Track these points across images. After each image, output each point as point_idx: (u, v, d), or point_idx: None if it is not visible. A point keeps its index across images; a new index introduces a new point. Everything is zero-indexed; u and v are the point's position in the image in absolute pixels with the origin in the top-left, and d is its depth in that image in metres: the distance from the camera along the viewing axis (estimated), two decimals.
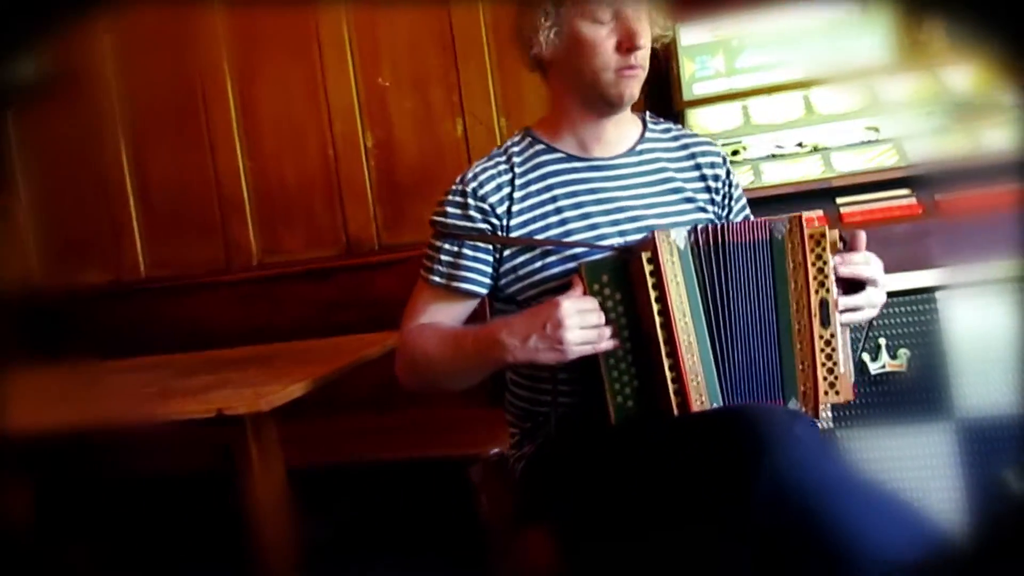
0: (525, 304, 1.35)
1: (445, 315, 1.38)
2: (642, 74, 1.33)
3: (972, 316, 1.76)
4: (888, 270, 1.74)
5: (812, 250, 1.22)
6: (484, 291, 1.38)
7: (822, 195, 1.81)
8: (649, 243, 1.22)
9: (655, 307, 1.20)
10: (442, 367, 1.33)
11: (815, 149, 1.91)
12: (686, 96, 2.15)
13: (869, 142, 1.88)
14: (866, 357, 1.79)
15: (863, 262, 1.26)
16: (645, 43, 1.30)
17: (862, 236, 1.27)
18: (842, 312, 1.23)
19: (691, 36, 2.15)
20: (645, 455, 1.17)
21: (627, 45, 1.28)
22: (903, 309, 1.80)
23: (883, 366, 1.79)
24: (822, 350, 1.22)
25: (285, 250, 2.56)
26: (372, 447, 2.12)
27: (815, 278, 1.22)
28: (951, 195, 1.73)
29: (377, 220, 2.49)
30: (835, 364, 1.22)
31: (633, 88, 1.33)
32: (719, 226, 1.24)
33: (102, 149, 2.62)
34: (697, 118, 2.11)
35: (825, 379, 1.22)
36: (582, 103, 1.36)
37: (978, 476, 1.75)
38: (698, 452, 1.09)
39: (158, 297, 2.59)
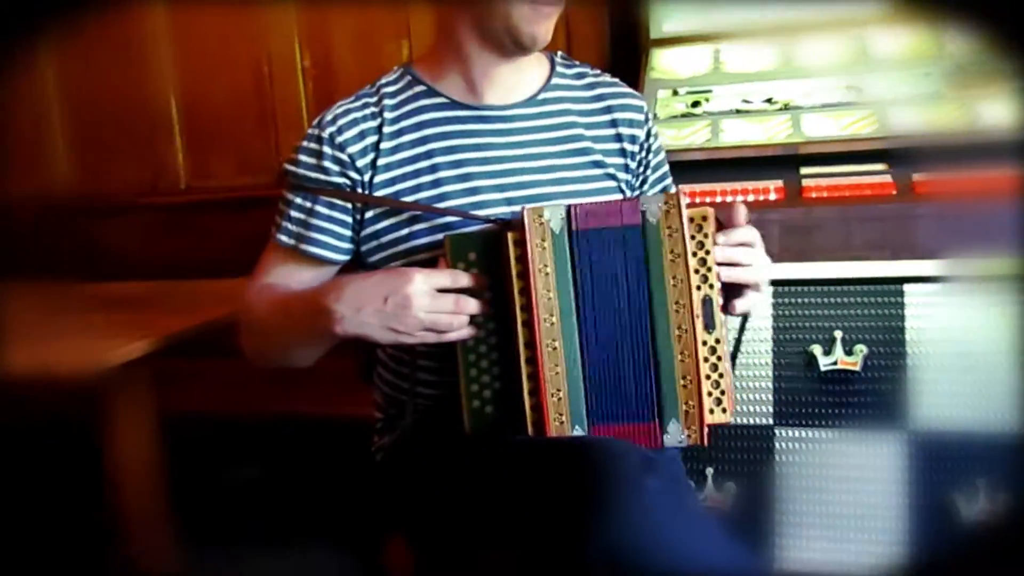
0: None
1: (293, 282, 1.17)
2: (558, 12, 1.10)
3: (941, 316, 1.54)
4: (853, 254, 1.55)
5: (693, 237, 1.00)
6: (340, 257, 1.17)
7: (784, 162, 1.58)
8: (518, 222, 1.00)
9: (518, 300, 0.99)
10: (273, 336, 1.14)
11: (785, 107, 1.66)
12: (653, 34, 1.90)
13: (847, 104, 1.63)
14: (816, 350, 1.59)
15: (744, 243, 1.04)
16: None
17: (741, 211, 1.05)
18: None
19: None
20: (488, 478, 0.98)
21: None
22: (865, 300, 1.58)
23: (835, 362, 1.59)
24: (706, 360, 1.00)
25: (214, 175, 2.37)
26: (278, 399, 1.96)
27: (697, 271, 1.00)
28: (932, 175, 1.49)
29: None
30: (721, 376, 1.01)
31: (547, 28, 1.10)
32: (586, 205, 1.01)
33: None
34: (662, 59, 1.86)
35: (711, 394, 1.01)
36: (481, 38, 1.12)
37: (926, 496, 1.55)
38: (537, 492, 0.90)
39: (81, 217, 2.41)
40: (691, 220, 1.01)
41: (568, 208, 1.02)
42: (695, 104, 1.72)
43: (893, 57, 1.71)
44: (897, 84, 1.65)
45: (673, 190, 1.30)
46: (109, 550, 1.48)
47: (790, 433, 1.62)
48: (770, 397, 1.60)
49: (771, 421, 1.62)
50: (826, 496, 1.59)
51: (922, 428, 1.55)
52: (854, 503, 1.57)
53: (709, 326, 1.00)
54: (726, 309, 1.04)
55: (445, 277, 1.01)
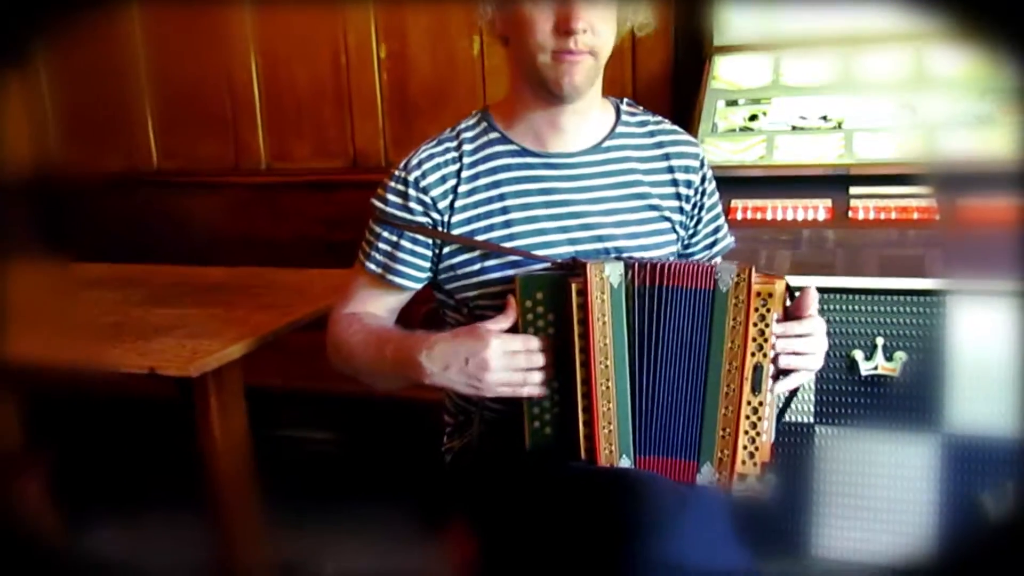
0: (463, 304, 1.28)
1: (377, 304, 1.32)
2: (588, 61, 1.17)
3: (978, 327, 1.63)
4: (893, 272, 1.63)
5: (756, 310, 1.10)
6: (419, 285, 1.30)
7: (835, 182, 1.66)
8: (581, 274, 1.12)
9: (578, 344, 1.12)
10: (363, 366, 1.28)
11: (839, 126, 1.73)
12: (716, 41, 1.96)
13: (899, 125, 1.69)
14: (859, 355, 1.69)
15: (806, 334, 1.14)
16: (587, 27, 1.14)
17: (811, 295, 1.14)
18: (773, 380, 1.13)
19: None
20: (543, 496, 1.12)
21: (563, 27, 1.13)
22: (908, 309, 1.67)
23: (875, 367, 1.69)
24: (747, 417, 1.12)
25: (293, 158, 2.50)
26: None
27: (754, 340, 1.11)
28: (977, 201, 1.55)
29: (385, 135, 2.40)
30: (759, 434, 1.13)
31: (575, 76, 1.17)
32: (659, 265, 1.12)
33: (118, 39, 2.55)
34: (724, 68, 1.93)
35: (745, 448, 1.13)
36: (530, 88, 1.23)
37: (956, 495, 1.66)
38: (582, 515, 1.04)
39: (164, 191, 2.58)
40: (758, 294, 1.10)
41: (628, 264, 1.13)
42: (753, 118, 1.79)
43: (950, 75, 1.76)
44: (951, 104, 1.70)
45: (726, 231, 1.39)
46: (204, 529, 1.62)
47: (829, 431, 1.73)
48: (812, 397, 1.71)
49: (812, 420, 1.73)
50: (860, 491, 1.70)
51: (955, 431, 1.65)
52: (887, 498, 1.69)
53: (756, 390, 1.11)
54: (776, 378, 1.15)
55: (518, 343, 1.13)
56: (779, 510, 1.72)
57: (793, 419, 1.72)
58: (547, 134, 1.26)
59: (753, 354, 1.11)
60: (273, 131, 2.50)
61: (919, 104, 1.72)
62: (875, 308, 1.67)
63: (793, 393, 1.22)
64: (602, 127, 1.30)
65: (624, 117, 1.32)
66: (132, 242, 2.35)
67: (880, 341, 1.68)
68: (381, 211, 1.28)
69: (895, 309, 1.67)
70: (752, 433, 1.12)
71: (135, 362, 1.42)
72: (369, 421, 2.16)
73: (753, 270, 1.10)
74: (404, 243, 1.27)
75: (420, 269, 1.28)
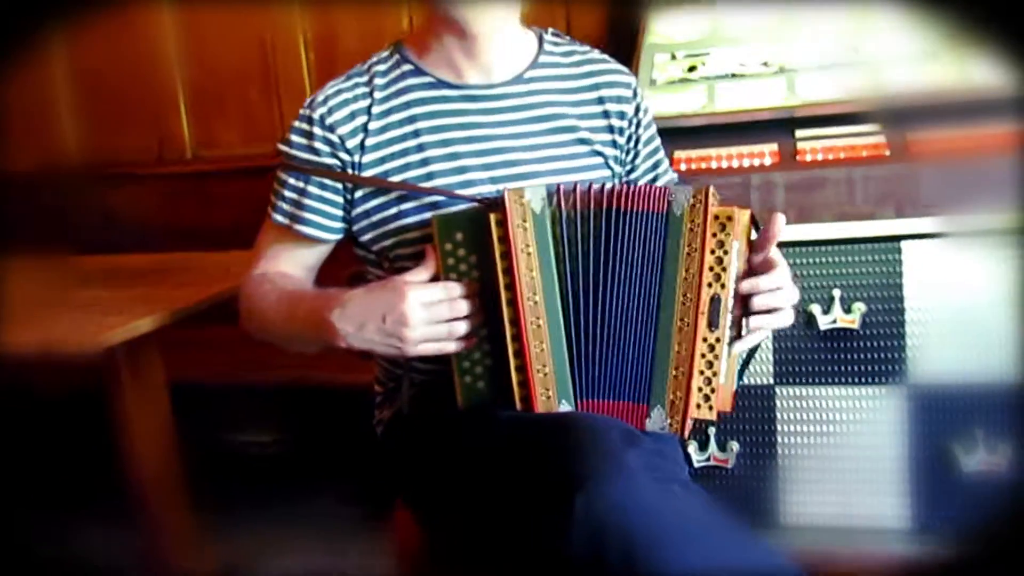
0: (383, 256, 1.18)
1: (290, 261, 1.21)
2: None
3: (937, 272, 1.56)
4: (847, 216, 1.56)
5: (715, 235, 1.00)
6: (332, 236, 1.19)
7: (780, 125, 1.58)
8: (499, 202, 1.02)
9: (502, 280, 1.01)
10: (277, 331, 1.16)
11: (781, 70, 1.65)
12: None
13: (843, 65, 1.62)
14: (816, 309, 1.61)
15: (773, 291, 1.04)
16: None
17: (779, 221, 1.03)
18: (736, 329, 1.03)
19: None
20: (481, 452, 1.01)
21: None
22: (863, 259, 1.60)
23: (834, 320, 1.61)
24: (703, 356, 1.01)
25: (220, 144, 2.39)
26: (287, 367, 2.00)
27: (711, 269, 1.00)
28: (926, 134, 1.48)
29: None
30: (715, 374, 1.01)
31: (474, 12, 1.10)
32: (613, 187, 1.02)
33: None
34: (659, 23, 1.86)
35: (700, 390, 1.01)
36: (441, 16, 1.13)
37: (927, 448, 1.59)
38: (523, 467, 0.93)
39: (89, 185, 2.45)
40: (716, 218, 1.00)
41: (552, 188, 1.03)
42: (691, 69, 1.72)
43: (890, 18, 1.70)
44: (894, 43, 1.63)
45: (667, 166, 1.31)
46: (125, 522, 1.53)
47: (791, 391, 1.65)
48: (770, 357, 1.63)
49: (771, 380, 1.65)
50: (827, 451, 1.63)
51: (921, 382, 1.58)
52: (855, 457, 1.61)
53: (713, 324, 1.00)
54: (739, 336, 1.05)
55: (438, 291, 1.03)
56: (743, 479, 1.64)
57: (752, 382, 1.64)
58: (464, 65, 1.17)
59: (710, 285, 1.00)
60: (198, 118, 2.39)
61: (861, 44, 1.65)
62: (829, 259, 1.60)
63: (753, 351, 1.12)
64: (524, 57, 1.20)
65: (547, 47, 1.22)
66: (62, 237, 2.22)
67: (837, 293, 1.61)
68: (286, 155, 1.17)
69: (850, 259, 1.60)
70: (708, 373, 1.01)
71: (32, 340, 1.30)
72: (311, 414, 2.04)
73: (711, 191, 1.00)
74: (311, 189, 1.16)
75: (331, 217, 1.18)
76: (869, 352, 1.61)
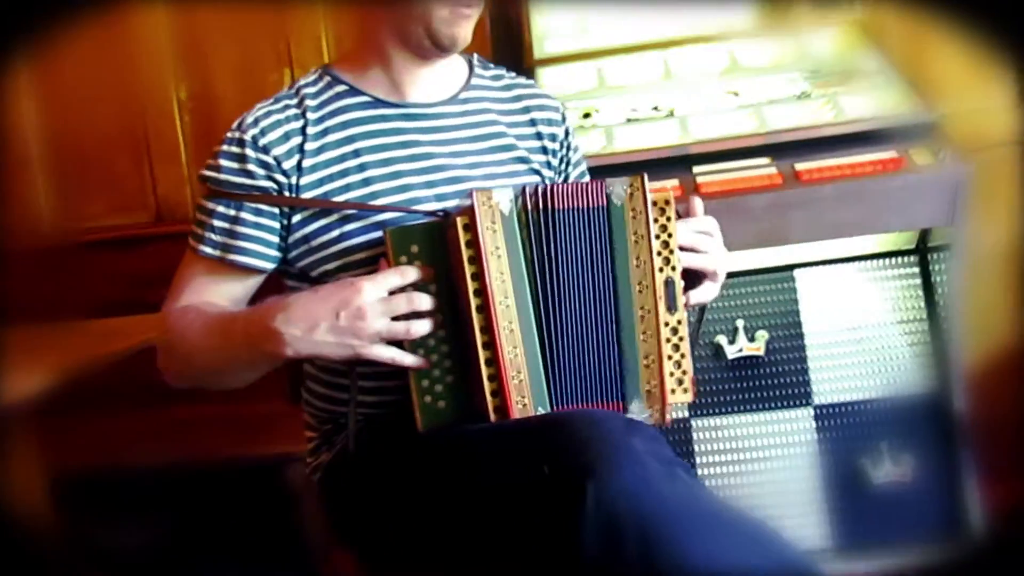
0: (321, 280, 1.11)
1: (219, 295, 1.12)
2: (476, 15, 1.12)
3: (829, 296, 1.65)
4: (747, 245, 1.63)
5: (656, 220, 1.02)
6: (268, 265, 1.12)
7: (678, 162, 1.65)
8: (467, 206, 1.00)
9: (471, 286, 0.98)
10: (206, 360, 1.07)
11: (671, 114, 1.74)
12: (537, 54, 1.95)
13: (728, 109, 1.73)
14: (722, 340, 1.66)
15: (704, 231, 1.07)
16: None
17: (699, 203, 1.09)
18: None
19: None
20: (454, 473, 0.96)
21: None
22: (761, 288, 1.68)
23: (740, 349, 1.67)
24: (668, 340, 1.02)
25: (84, 217, 2.22)
26: (179, 444, 1.85)
27: (659, 253, 1.02)
28: (810, 164, 1.59)
29: (192, 182, 2.18)
30: (683, 356, 1.02)
31: (466, 30, 1.12)
32: (550, 187, 1.02)
33: None
34: (547, 78, 1.92)
35: (672, 374, 1.02)
36: (401, 41, 1.13)
37: (838, 466, 1.65)
38: (515, 473, 0.89)
39: None
40: (654, 203, 1.02)
41: (519, 189, 1.02)
42: (586, 115, 1.78)
43: (762, 64, 1.84)
44: (768, 87, 1.76)
45: None
46: None
47: (706, 423, 1.68)
48: None
49: (687, 414, 1.67)
50: (746, 479, 1.66)
51: (824, 403, 1.65)
52: (772, 481, 1.65)
53: (672, 307, 1.02)
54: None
55: (394, 276, 0.99)
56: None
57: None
58: (405, 83, 1.16)
59: (662, 269, 1.02)
60: (58, 189, 2.21)
61: (741, 89, 1.77)
62: (731, 291, 1.66)
63: (703, 311, 1.14)
64: (457, 79, 1.21)
65: (477, 70, 1.24)
66: None
67: (740, 323, 1.67)
68: (214, 181, 1.10)
69: (749, 289, 1.67)
70: (676, 356, 1.02)
71: None
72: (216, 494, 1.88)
73: (646, 178, 1.02)
74: (245, 215, 1.10)
75: (267, 244, 1.11)
76: (776, 378, 1.67)
